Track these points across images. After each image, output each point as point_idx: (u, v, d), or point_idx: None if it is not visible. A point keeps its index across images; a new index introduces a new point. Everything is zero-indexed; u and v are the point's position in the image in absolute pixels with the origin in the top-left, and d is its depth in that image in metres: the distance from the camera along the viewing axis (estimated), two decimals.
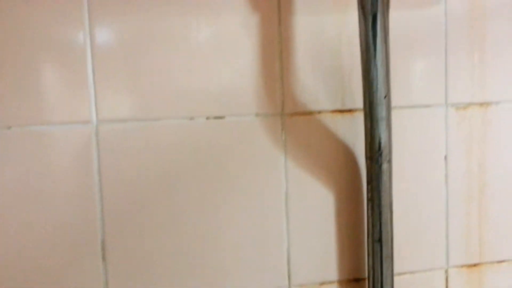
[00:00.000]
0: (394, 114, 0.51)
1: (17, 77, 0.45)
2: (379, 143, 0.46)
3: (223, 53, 0.49)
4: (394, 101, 0.51)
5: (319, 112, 0.51)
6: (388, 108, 0.45)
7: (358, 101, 0.52)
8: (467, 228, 0.56)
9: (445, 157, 0.54)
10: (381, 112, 0.45)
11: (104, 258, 0.48)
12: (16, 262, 0.46)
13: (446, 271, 0.56)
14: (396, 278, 0.50)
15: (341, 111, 0.52)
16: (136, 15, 0.47)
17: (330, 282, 0.53)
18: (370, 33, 0.42)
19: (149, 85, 0.48)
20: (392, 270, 0.48)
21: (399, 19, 0.52)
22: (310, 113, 0.51)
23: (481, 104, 0.54)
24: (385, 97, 0.44)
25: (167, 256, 0.49)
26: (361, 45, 0.44)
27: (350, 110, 0.52)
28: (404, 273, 0.54)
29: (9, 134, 0.45)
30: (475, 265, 0.57)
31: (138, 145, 0.48)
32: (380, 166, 0.46)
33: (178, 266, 0.49)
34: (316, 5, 0.50)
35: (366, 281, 0.51)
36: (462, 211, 0.55)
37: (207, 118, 0.49)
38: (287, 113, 0.51)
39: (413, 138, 0.53)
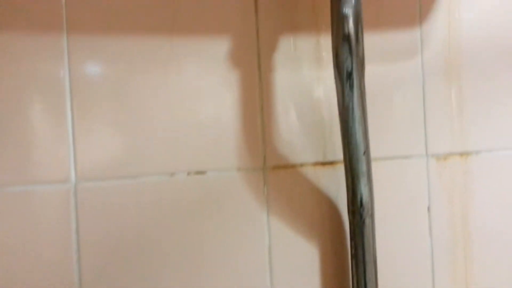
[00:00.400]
0: (375, 166, 0.51)
1: None
2: (361, 199, 0.45)
3: (204, 108, 0.49)
4: (375, 153, 0.51)
5: (301, 165, 0.51)
6: (368, 164, 0.45)
7: (339, 153, 0.52)
8: (453, 279, 0.55)
9: (428, 208, 0.54)
10: (361, 167, 0.45)
11: None
12: None
13: None
14: None
15: (323, 164, 0.52)
16: (117, 71, 0.47)
17: None
18: (346, 93, 0.42)
19: (129, 141, 0.47)
20: None
21: (377, 72, 0.52)
22: (292, 166, 0.51)
23: (461, 154, 0.55)
24: (364, 153, 0.44)
25: None
26: (338, 104, 0.44)
27: (331, 163, 0.52)
28: None
29: None
30: None
31: (117, 203, 0.47)
32: (363, 222, 0.46)
33: None
34: (295, 61, 0.51)
35: None
36: (447, 262, 0.55)
37: (188, 173, 0.49)
38: (269, 167, 0.51)
39: (395, 190, 0.53)
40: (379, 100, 0.53)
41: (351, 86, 0.42)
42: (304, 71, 0.52)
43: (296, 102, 0.51)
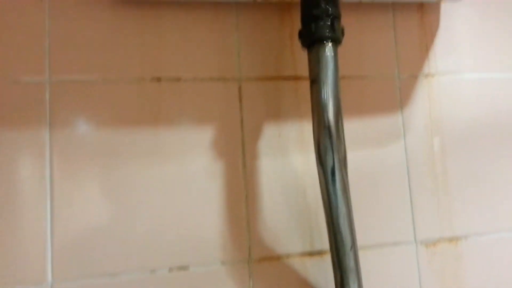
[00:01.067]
0: (364, 254, 0.50)
1: None
2: None
3: (187, 199, 0.48)
4: (363, 241, 0.50)
5: (288, 256, 0.50)
6: (356, 259, 0.44)
7: (326, 242, 0.50)
8: None
9: None
10: (349, 263, 0.43)
11: None
12: None
13: None
14: None
15: (310, 254, 0.50)
16: (98, 165, 0.46)
17: None
18: (331, 190, 0.42)
19: (107, 237, 0.46)
20: None
21: (362, 157, 0.52)
22: (278, 257, 0.49)
23: (451, 240, 0.54)
24: (351, 248, 0.43)
25: None
26: (323, 199, 0.43)
27: (319, 252, 0.51)
28: None
29: None
30: None
31: None
32: None
33: None
34: (280, 148, 0.51)
35: None
36: None
37: (170, 269, 0.47)
38: (254, 259, 0.49)
39: (385, 279, 0.52)
40: (364, 186, 0.52)
41: (335, 183, 0.42)
42: (289, 157, 0.51)
43: (281, 189, 0.51)
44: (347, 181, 0.43)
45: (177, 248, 0.47)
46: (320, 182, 0.43)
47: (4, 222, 0.44)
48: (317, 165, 0.42)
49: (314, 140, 0.43)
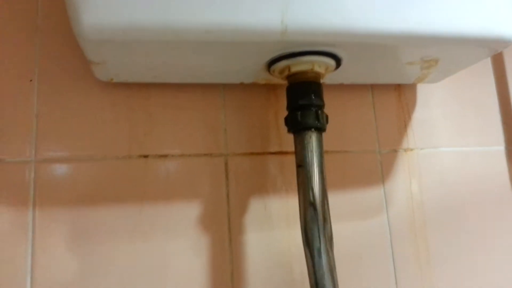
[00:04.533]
0: None
1: None
2: None
3: (171, 276, 0.48)
4: None
5: None
6: None
7: None
8: None
9: None
10: None
11: None
12: None
13: None
14: None
15: None
16: (78, 247, 0.46)
17: None
18: (317, 269, 0.42)
19: None
20: None
21: (345, 231, 0.54)
22: None
23: None
24: None
25: None
26: (309, 277, 0.44)
27: None
28: None
29: None
30: None
31: None
32: None
33: None
34: (266, 222, 0.52)
35: None
36: None
37: None
38: None
39: None
40: (349, 259, 0.53)
41: (321, 264, 0.42)
42: (274, 231, 0.52)
43: (267, 264, 0.51)
44: (334, 262, 0.43)
45: None
46: (307, 262, 0.44)
47: None
48: (304, 246, 0.43)
49: (301, 221, 0.44)
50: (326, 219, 0.43)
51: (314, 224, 0.42)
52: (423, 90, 0.61)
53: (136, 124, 0.51)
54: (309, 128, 0.44)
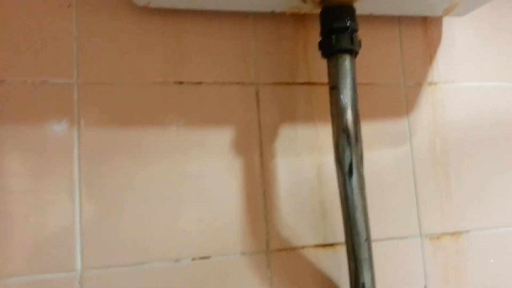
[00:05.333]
0: (374, 246, 0.53)
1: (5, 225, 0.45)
2: (363, 285, 0.47)
3: (208, 194, 0.51)
4: (373, 234, 0.53)
5: (302, 247, 0.53)
6: (370, 250, 0.47)
7: (339, 235, 0.54)
8: None
9: (425, 287, 0.56)
10: (363, 254, 0.47)
11: None
12: None
13: None
14: None
15: (323, 246, 0.54)
16: (124, 162, 0.49)
17: None
18: (348, 185, 0.45)
19: (134, 229, 0.48)
20: None
21: (371, 158, 0.56)
22: (293, 249, 0.53)
23: (453, 234, 0.58)
24: (366, 240, 0.46)
25: None
26: (340, 195, 0.47)
27: (332, 245, 0.54)
28: None
29: None
30: None
31: None
32: None
33: None
34: (296, 149, 0.55)
35: None
36: None
37: (193, 259, 0.50)
38: (272, 250, 0.52)
39: (393, 270, 0.55)
40: (374, 185, 0.56)
41: (352, 179, 0.45)
42: (304, 157, 0.55)
43: (297, 187, 0.54)
44: (363, 178, 0.46)
45: (200, 239, 0.50)
46: (338, 180, 0.47)
47: (36, 214, 0.46)
48: (336, 163, 0.46)
49: (333, 139, 0.46)
50: (358, 138, 0.46)
51: (345, 141, 0.45)
52: (448, 25, 0.62)
53: (170, 51, 0.53)
54: (343, 50, 0.46)
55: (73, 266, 0.46)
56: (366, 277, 0.47)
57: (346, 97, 0.46)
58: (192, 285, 0.49)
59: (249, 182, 0.53)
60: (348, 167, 0.45)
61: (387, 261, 0.55)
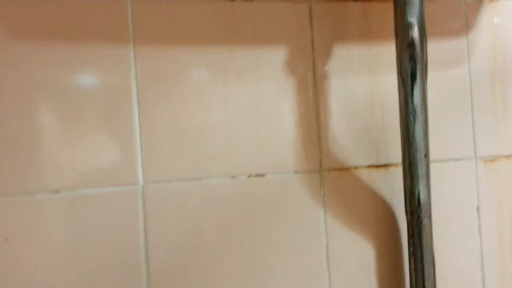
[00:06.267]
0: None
1: (62, 141, 0.46)
2: (419, 200, 0.47)
3: (262, 113, 0.51)
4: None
5: (356, 167, 0.53)
6: (428, 166, 0.47)
7: (392, 156, 0.54)
8: (502, 277, 0.57)
9: (477, 208, 0.56)
10: (421, 170, 0.47)
11: None
12: None
13: None
14: None
15: (377, 166, 0.54)
16: (180, 80, 0.49)
17: None
18: (410, 97, 0.45)
19: (192, 146, 0.49)
20: None
21: (429, 79, 0.54)
22: (347, 169, 0.53)
23: (508, 157, 0.57)
24: (425, 156, 0.46)
25: None
26: (400, 108, 0.46)
27: (385, 165, 0.54)
28: None
29: (57, 198, 0.46)
30: None
31: (182, 204, 0.49)
32: (420, 222, 0.48)
33: None
34: (349, 68, 0.53)
35: None
36: (496, 260, 0.57)
37: (249, 176, 0.51)
38: (325, 169, 0.53)
39: (447, 191, 0.55)
40: (430, 105, 0.55)
41: (415, 91, 0.44)
42: (358, 77, 0.54)
43: (350, 107, 0.53)
44: (426, 91, 0.45)
45: (255, 158, 0.51)
46: (399, 93, 0.46)
47: (101, 129, 0.47)
48: (398, 75, 0.45)
49: (396, 53, 0.45)
50: (423, 50, 0.44)
51: (409, 49, 0.44)
52: None
53: None
54: None
55: (135, 180, 0.48)
56: (422, 193, 0.47)
57: (413, 8, 0.44)
58: (247, 201, 0.50)
59: (302, 102, 0.52)
60: (411, 78, 0.43)
61: (441, 182, 0.55)
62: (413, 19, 0.43)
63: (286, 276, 0.51)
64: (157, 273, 0.48)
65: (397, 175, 0.54)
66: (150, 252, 0.48)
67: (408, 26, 0.43)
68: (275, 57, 0.52)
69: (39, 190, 0.45)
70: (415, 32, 0.43)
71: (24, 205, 0.45)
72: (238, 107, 0.51)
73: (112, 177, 0.47)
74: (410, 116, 0.45)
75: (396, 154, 0.54)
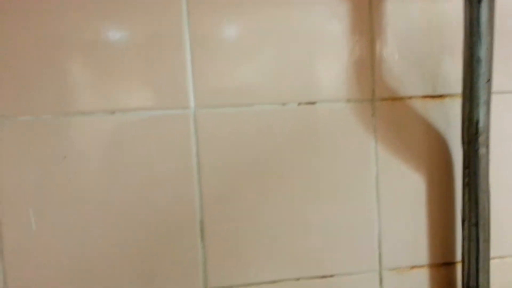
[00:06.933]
0: None
1: (120, 63, 0.47)
2: (477, 128, 0.46)
3: (315, 40, 0.50)
4: None
5: (410, 97, 0.52)
6: (489, 93, 0.45)
7: (449, 86, 0.52)
8: None
9: None
10: (482, 96, 0.45)
11: (202, 238, 0.49)
12: (121, 242, 0.48)
13: None
14: (491, 262, 0.49)
15: (432, 97, 0.52)
16: (233, 6, 0.48)
17: (421, 266, 0.53)
18: (476, 18, 0.42)
19: (243, 72, 0.49)
20: (489, 254, 0.48)
21: None
22: (400, 98, 0.52)
23: None
24: (487, 81, 0.44)
25: (261, 238, 0.50)
26: (465, 30, 0.44)
27: (441, 96, 0.52)
28: (501, 257, 0.54)
29: (112, 119, 0.47)
30: None
31: (233, 129, 0.49)
32: (477, 151, 0.46)
33: (271, 249, 0.51)
34: None
35: (461, 265, 0.51)
36: None
37: (299, 104, 0.50)
38: (378, 98, 0.51)
39: (504, 122, 0.53)
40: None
41: (482, 11, 0.42)
42: (415, 1, 0.51)
43: (407, 34, 0.51)
44: (494, 11, 0.42)
45: (306, 85, 0.50)
46: (464, 14, 0.43)
47: (152, 51, 0.47)
48: None
49: None
50: None
51: None
52: None
53: None
54: None
55: (187, 104, 0.48)
56: (482, 121, 0.45)
57: None
58: (297, 129, 0.50)
59: (356, 28, 0.50)
60: None
61: (501, 113, 0.53)
62: None
63: (335, 206, 0.51)
64: (209, 196, 0.49)
65: (453, 106, 0.52)
66: (203, 175, 0.49)
67: None
68: None
69: (95, 111, 0.47)
70: None
71: (81, 125, 0.47)
72: (289, 32, 0.49)
73: (164, 100, 0.48)
74: (475, 38, 0.43)
75: (453, 84, 0.52)
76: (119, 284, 0.48)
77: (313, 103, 0.50)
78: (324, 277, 0.52)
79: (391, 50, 0.51)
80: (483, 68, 0.43)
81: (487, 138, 0.46)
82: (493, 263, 0.52)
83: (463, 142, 0.47)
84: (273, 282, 0.51)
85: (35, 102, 0.46)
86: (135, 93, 0.47)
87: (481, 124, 0.45)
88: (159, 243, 0.49)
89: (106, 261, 0.48)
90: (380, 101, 0.51)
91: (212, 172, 0.49)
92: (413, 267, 0.53)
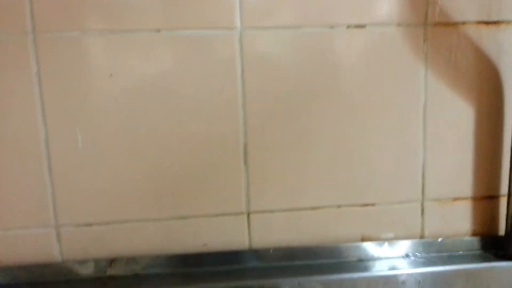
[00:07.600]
0: None
1: None
2: None
3: None
4: None
5: (463, 23, 0.50)
6: None
7: (504, 12, 0.50)
8: None
9: None
10: None
11: (246, 162, 0.49)
12: (168, 165, 0.48)
13: None
14: None
15: (486, 23, 0.50)
16: None
17: (464, 198, 0.52)
18: None
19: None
20: None
21: None
22: (453, 24, 0.49)
23: None
24: None
25: (304, 164, 0.50)
26: None
27: (496, 22, 0.50)
28: None
29: (158, 37, 0.46)
30: None
31: (280, 52, 0.48)
32: None
33: (314, 175, 0.50)
34: None
35: (506, 198, 0.50)
36: None
37: (348, 27, 0.48)
38: (430, 23, 0.49)
39: None
40: None
41: None
42: None
43: None
44: None
45: (355, 8, 0.48)
46: None
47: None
48: None
49: None
50: None
51: None
52: None
53: None
54: None
55: (233, 25, 0.47)
56: None
57: None
58: (345, 52, 0.49)
59: None
60: None
61: None
62: None
63: (380, 134, 0.50)
64: (253, 120, 0.48)
65: (508, 34, 0.50)
66: (248, 99, 0.48)
67: None
68: None
69: (141, 29, 0.46)
70: None
71: (127, 42, 0.46)
72: None
73: (210, 20, 0.47)
74: None
75: (510, 10, 0.49)
76: (162, 206, 0.49)
77: (362, 26, 0.49)
78: (365, 205, 0.51)
79: None
80: None
81: None
82: None
83: None
84: (314, 208, 0.51)
85: (82, 18, 0.45)
86: (181, 11, 0.46)
87: None
88: (202, 166, 0.49)
89: (150, 184, 0.48)
90: (433, 26, 0.49)
91: (257, 96, 0.48)
92: (456, 198, 0.52)
